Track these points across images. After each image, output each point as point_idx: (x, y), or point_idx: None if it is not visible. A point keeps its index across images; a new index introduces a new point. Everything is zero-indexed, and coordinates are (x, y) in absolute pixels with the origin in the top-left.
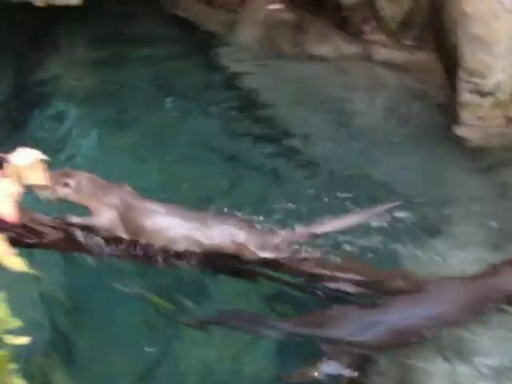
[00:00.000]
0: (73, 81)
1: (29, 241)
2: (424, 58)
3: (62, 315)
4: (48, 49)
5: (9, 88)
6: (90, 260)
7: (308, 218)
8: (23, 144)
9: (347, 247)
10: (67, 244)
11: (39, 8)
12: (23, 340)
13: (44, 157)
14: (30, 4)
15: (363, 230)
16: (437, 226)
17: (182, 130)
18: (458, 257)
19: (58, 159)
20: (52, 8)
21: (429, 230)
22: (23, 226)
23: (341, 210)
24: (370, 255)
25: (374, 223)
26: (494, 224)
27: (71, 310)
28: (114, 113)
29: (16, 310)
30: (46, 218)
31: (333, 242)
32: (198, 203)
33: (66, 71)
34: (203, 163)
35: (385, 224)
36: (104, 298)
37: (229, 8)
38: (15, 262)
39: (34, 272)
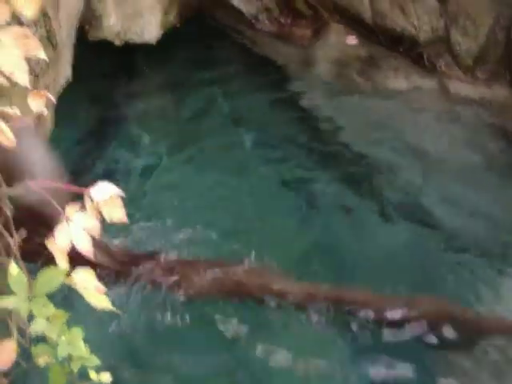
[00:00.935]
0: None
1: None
2: (500, 92)
3: (140, 355)
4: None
5: (87, 123)
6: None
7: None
8: (101, 178)
9: None
10: None
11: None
12: (106, 377)
13: (122, 193)
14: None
15: None
16: None
17: (258, 163)
18: None
19: (134, 190)
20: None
21: None
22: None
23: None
24: None
25: None
26: None
27: (149, 350)
28: (193, 147)
29: (94, 347)
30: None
31: None
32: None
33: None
34: (277, 200)
35: None
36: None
37: (303, 43)
38: (101, 300)
39: (115, 310)
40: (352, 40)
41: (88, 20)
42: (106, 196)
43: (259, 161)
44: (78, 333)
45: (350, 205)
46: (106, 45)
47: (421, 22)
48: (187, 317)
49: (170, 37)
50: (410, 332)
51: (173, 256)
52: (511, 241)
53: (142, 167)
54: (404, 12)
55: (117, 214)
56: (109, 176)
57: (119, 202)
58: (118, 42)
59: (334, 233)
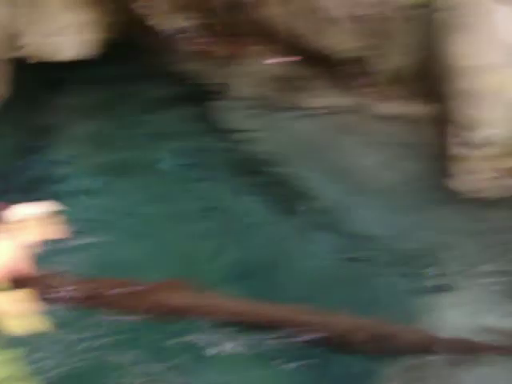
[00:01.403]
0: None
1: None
2: (416, 110)
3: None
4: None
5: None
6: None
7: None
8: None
9: None
10: None
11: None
12: None
13: (58, 208)
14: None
15: None
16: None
17: (177, 182)
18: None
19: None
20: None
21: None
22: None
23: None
24: None
25: None
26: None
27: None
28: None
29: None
30: None
31: None
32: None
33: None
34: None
35: None
36: None
37: (223, 62)
38: (21, 324)
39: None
40: (271, 60)
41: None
42: (41, 214)
43: (178, 180)
44: (14, 354)
45: (273, 223)
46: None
47: (338, 42)
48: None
49: (95, 56)
50: (324, 346)
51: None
52: (429, 259)
53: (67, 187)
54: (321, 32)
55: (51, 230)
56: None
57: (54, 219)
58: (33, 61)
59: (257, 251)
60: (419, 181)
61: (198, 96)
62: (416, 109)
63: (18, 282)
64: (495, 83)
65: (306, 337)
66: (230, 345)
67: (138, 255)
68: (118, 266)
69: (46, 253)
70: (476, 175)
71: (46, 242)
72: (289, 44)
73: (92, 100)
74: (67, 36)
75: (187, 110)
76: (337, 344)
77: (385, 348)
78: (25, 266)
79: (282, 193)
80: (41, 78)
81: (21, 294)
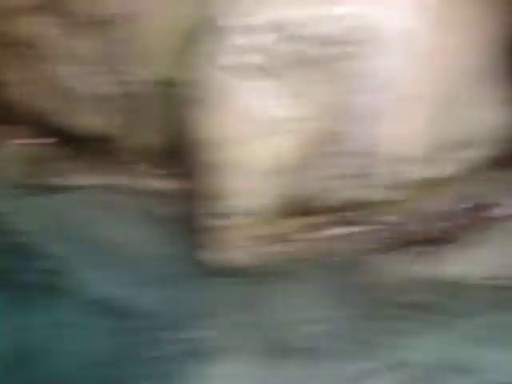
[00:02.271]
0: None
1: None
2: (172, 184)
3: None
4: None
5: None
6: None
7: None
8: None
9: None
10: None
11: None
12: None
13: None
14: None
15: None
16: None
17: None
18: None
19: None
20: None
21: None
22: None
23: None
24: None
25: None
26: None
27: None
28: None
29: None
30: None
31: None
32: None
33: None
34: None
35: None
36: None
37: None
38: None
39: None
40: (23, 141)
41: None
42: None
43: None
44: None
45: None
46: None
47: (86, 121)
48: None
49: None
50: None
51: None
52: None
53: None
54: (69, 112)
55: None
56: None
57: None
58: None
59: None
60: (175, 254)
61: None
62: (169, 183)
63: None
64: (243, 155)
65: None
66: None
67: None
68: None
69: None
70: (229, 245)
71: None
72: (40, 124)
73: None
74: None
75: None
76: None
77: None
78: None
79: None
80: None
81: None
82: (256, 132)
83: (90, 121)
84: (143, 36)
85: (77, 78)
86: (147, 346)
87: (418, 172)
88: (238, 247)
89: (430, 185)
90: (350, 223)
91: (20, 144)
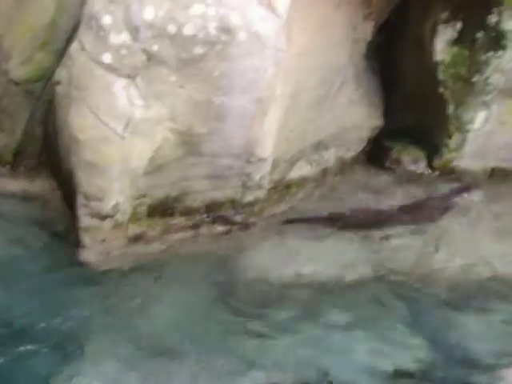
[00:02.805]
0: None
1: None
2: (42, 185)
3: None
4: None
5: None
6: None
7: None
8: None
9: None
10: None
11: None
12: None
13: None
14: None
15: None
16: None
17: None
18: None
19: None
20: None
21: None
22: None
23: None
24: None
25: None
26: None
27: None
28: None
29: None
30: None
31: None
32: None
33: None
34: None
35: None
36: None
37: None
38: None
39: None
40: None
41: None
42: None
43: None
44: None
45: None
46: None
47: None
48: None
49: None
50: None
51: None
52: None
53: None
54: None
55: None
56: None
57: None
58: None
59: None
60: (51, 257)
61: None
62: (43, 184)
63: None
64: (116, 154)
65: None
66: None
67: None
68: None
69: None
70: (107, 245)
71: None
72: None
73: None
74: None
75: None
76: None
77: None
78: None
79: None
80: None
81: None
82: (116, 132)
83: None
84: (7, 33)
85: None
86: None
87: (276, 173)
88: (115, 247)
89: (286, 185)
90: (211, 223)
91: None
